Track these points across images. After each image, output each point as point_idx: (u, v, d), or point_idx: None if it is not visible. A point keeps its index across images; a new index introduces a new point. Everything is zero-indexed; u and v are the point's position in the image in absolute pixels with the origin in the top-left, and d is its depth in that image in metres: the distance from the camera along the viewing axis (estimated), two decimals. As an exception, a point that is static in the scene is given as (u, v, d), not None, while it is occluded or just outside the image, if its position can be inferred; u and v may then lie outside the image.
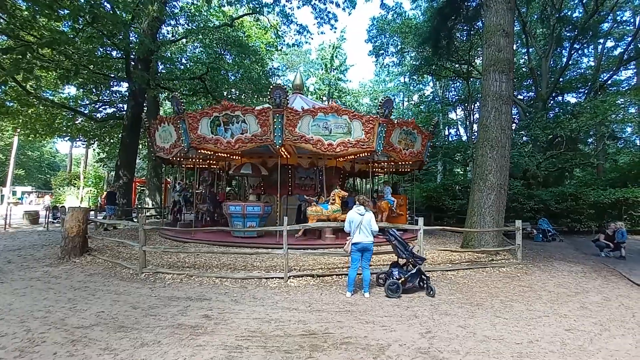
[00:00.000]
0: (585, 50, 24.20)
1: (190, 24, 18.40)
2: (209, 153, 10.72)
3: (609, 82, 21.33)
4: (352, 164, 12.81)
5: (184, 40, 19.43)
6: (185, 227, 10.89)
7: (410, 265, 5.81)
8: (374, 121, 8.80)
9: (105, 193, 19.76)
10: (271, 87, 8.62)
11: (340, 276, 6.52)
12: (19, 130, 17.93)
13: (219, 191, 13.33)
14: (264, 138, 8.63)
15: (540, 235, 13.25)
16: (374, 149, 8.97)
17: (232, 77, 21.13)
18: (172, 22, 19.18)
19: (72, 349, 3.47)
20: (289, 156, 10.55)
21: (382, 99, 8.90)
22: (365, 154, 9.71)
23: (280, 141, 8.48)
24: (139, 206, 20.20)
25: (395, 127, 9.45)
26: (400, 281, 5.53)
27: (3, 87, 12.89)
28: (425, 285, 5.70)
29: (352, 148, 8.90)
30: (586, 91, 22.42)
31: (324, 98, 37.41)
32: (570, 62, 22.13)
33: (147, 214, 17.20)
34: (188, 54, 21.05)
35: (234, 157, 11.44)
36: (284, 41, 22.68)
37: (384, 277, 5.87)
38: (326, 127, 8.71)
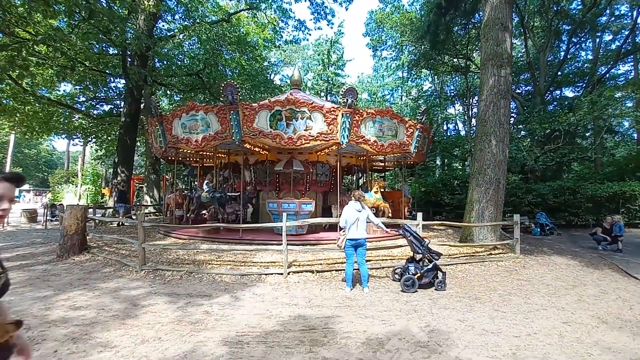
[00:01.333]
0: (584, 44, 24.18)
1: (187, 20, 18.25)
2: (253, 148, 10.51)
3: (607, 75, 21.34)
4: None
5: (180, 36, 19.27)
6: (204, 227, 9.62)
7: (426, 261, 5.83)
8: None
9: (106, 190, 19.84)
10: (345, 88, 8.55)
11: (339, 271, 6.55)
12: (15, 128, 17.82)
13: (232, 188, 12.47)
14: (329, 137, 8.67)
15: (538, 229, 13.32)
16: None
17: (230, 73, 21.01)
18: (169, 18, 19.01)
19: (72, 346, 3.48)
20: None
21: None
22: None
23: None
24: (138, 203, 20.17)
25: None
26: (416, 276, 5.56)
27: (-1, 84, 12.79)
28: (440, 279, 5.70)
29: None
30: (584, 85, 22.42)
31: (322, 94, 37.30)
32: (568, 56, 22.12)
33: (146, 211, 17.18)
34: (185, 50, 20.90)
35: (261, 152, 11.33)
36: (282, 37, 22.53)
37: (400, 272, 5.90)
38: (381, 128, 8.99)
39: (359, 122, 8.78)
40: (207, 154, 12.78)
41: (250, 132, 8.43)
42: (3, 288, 1.39)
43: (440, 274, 5.78)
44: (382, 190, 10.14)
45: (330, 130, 8.54)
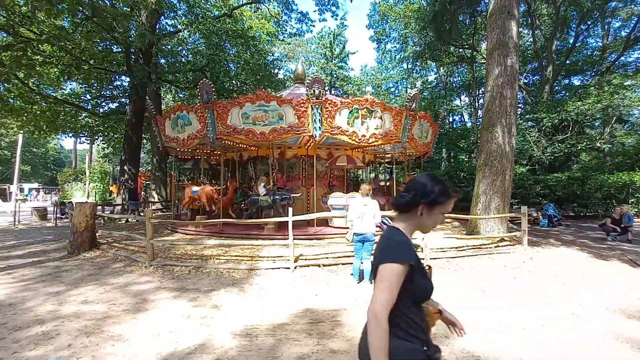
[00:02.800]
0: (592, 31, 23.63)
1: (189, 15, 18.20)
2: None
3: (617, 63, 20.88)
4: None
5: (184, 32, 19.26)
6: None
7: None
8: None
9: (114, 187, 20.12)
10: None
11: (346, 265, 6.57)
12: (23, 127, 18.04)
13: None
14: (393, 136, 9.46)
15: (546, 221, 13.19)
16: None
17: (233, 68, 20.97)
18: (172, 14, 18.96)
19: (86, 340, 3.56)
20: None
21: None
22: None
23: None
24: (145, 200, 20.38)
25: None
26: None
27: (6, 84, 12.93)
28: None
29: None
30: (593, 74, 21.97)
31: (325, 88, 37.05)
32: (577, 44, 21.64)
33: (154, 207, 17.36)
34: (188, 46, 20.88)
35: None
36: (286, 30, 22.38)
37: None
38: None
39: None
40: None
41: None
42: None
43: None
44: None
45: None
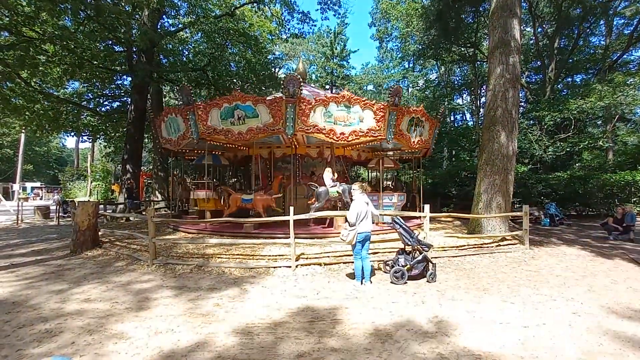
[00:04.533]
0: (595, 30, 23.49)
1: (190, 15, 18.22)
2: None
3: (620, 61, 20.75)
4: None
5: (185, 31, 19.28)
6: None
7: (417, 252, 5.85)
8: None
9: (116, 186, 20.15)
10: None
11: (347, 264, 6.59)
12: (26, 126, 18.11)
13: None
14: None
15: (548, 220, 13.16)
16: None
17: (235, 68, 20.98)
18: (173, 13, 18.98)
19: (89, 338, 3.59)
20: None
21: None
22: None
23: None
24: (147, 199, 20.45)
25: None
26: (405, 268, 5.59)
27: (9, 83, 12.98)
28: (431, 271, 5.75)
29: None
30: (595, 72, 21.85)
31: (327, 87, 37.04)
32: (579, 42, 21.52)
33: (156, 206, 17.42)
34: (190, 46, 20.90)
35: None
36: (288, 30, 22.35)
37: (391, 264, 5.93)
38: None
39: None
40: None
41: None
42: None
43: (430, 266, 5.82)
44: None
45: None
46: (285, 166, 11.72)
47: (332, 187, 9.32)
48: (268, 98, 8.79)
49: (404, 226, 5.86)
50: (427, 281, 5.65)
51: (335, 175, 10.00)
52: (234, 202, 9.63)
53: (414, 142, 10.08)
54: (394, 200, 10.80)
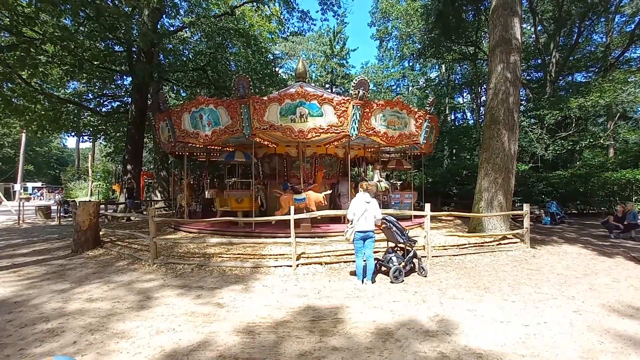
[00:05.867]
0: (596, 27, 23.42)
1: (190, 14, 18.21)
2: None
3: (621, 59, 20.70)
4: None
5: (185, 31, 19.27)
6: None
7: (407, 250, 5.94)
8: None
9: (117, 186, 20.19)
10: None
11: (348, 263, 6.60)
12: (27, 126, 18.14)
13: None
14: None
15: (549, 218, 13.15)
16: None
17: (234, 67, 20.97)
18: (173, 13, 18.98)
19: (90, 337, 3.60)
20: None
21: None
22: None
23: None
24: (148, 199, 20.48)
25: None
26: (401, 266, 5.65)
27: (10, 84, 13.00)
28: (418, 266, 5.93)
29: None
30: (596, 70, 21.80)
31: (327, 86, 37.00)
32: (580, 40, 21.47)
33: (156, 206, 17.45)
34: (190, 45, 20.90)
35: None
36: (287, 29, 22.34)
37: (383, 263, 5.97)
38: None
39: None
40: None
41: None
42: None
43: (416, 260, 5.97)
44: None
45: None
46: (304, 166, 11.72)
47: (379, 181, 10.99)
48: (336, 99, 8.60)
49: (397, 225, 5.89)
50: (419, 274, 5.84)
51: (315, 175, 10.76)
52: (287, 203, 9.10)
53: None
54: (411, 197, 11.69)
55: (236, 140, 10.18)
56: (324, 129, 8.47)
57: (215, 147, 11.72)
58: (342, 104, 8.35)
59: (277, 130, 8.46)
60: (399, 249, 6.17)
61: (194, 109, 8.97)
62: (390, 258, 5.82)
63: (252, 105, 8.26)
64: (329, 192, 10.03)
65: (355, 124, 8.52)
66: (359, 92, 8.25)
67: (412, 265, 5.97)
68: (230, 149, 11.75)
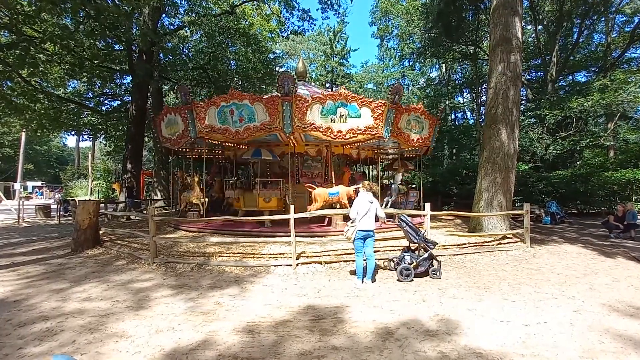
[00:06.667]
0: (597, 27, 23.39)
1: (190, 13, 18.20)
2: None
3: (622, 59, 20.67)
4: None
5: (185, 30, 19.25)
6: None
7: (422, 250, 5.86)
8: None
9: (116, 185, 20.19)
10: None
11: (347, 262, 6.59)
12: (26, 125, 18.12)
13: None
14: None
15: (549, 218, 13.14)
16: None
17: (234, 66, 20.95)
18: (173, 12, 18.97)
19: (89, 336, 3.59)
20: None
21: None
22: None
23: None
24: (148, 198, 20.47)
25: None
26: (412, 266, 5.60)
27: (9, 83, 12.97)
28: (435, 268, 5.79)
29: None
30: (596, 70, 21.77)
31: (327, 85, 36.93)
32: (580, 40, 21.45)
33: (156, 205, 17.43)
34: (190, 44, 20.88)
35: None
36: (288, 28, 22.32)
37: (396, 262, 5.94)
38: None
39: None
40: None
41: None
42: None
43: (435, 263, 5.85)
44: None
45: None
46: (315, 165, 11.77)
47: (400, 184, 11.62)
48: (374, 102, 8.85)
49: (410, 224, 5.87)
50: (430, 277, 5.68)
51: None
52: (321, 197, 9.17)
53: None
54: (415, 197, 11.97)
55: (262, 139, 10.11)
56: (361, 130, 8.80)
57: (237, 145, 11.45)
58: (379, 107, 8.72)
59: (317, 130, 8.63)
60: (418, 248, 6.03)
61: (224, 104, 8.83)
62: (404, 257, 5.82)
63: (295, 104, 8.31)
64: (358, 185, 10.16)
65: (389, 126, 8.96)
66: (395, 97, 8.80)
67: (429, 266, 5.80)
68: (246, 147, 11.66)
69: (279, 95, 8.35)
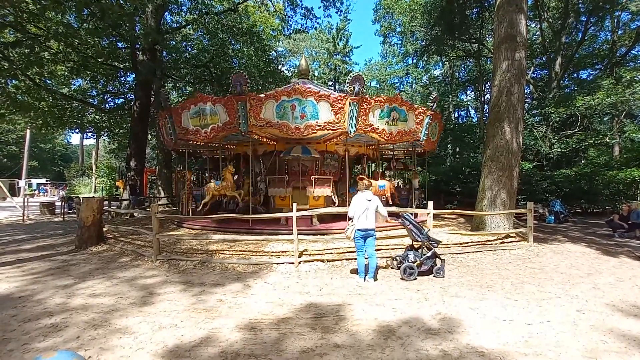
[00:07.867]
0: (602, 24, 23.14)
1: (193, 11, 18.19)
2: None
3: (628, 57, 20.46)
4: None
5: (188, 28, 19.25)
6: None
7: (426, 249, 5.85)
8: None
9: (120, 182, 20.28)
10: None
11: (350, 260, 6.59)
12: (31, 123, 18.25)
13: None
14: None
15: (553, 217, 13.07)
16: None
17: (237, 64, 20.94)
18: (176, 10, 18.98)
19: (93, 332, 3.62)
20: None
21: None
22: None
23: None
24: (151, 195, 20.57)
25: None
26: (415, 264, 5.60)
27: (14, 81, 13.06)
28: (439, 267, 5.77)
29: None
30: (602, 67, 21.56)
31: (330, 83, 36.88)
32: (586, 37, 21.24)
33: (159, 202, 17.52)
34: (193, 42, 20.89)
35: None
36: (291, 26, 22.26)
37: (399, 260, 5.93)
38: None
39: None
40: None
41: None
42: None
43: (438, 262, 5.83)
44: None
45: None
46: (332, 163, 11.68)
47: (416, 189, 12.16)
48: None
49: (413, 222, 5.86)
50: (434, 276, 5.67)
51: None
52: (374, 189, 9.42)
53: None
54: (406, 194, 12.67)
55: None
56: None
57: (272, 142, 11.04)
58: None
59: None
60: (422, 247, 6.00)
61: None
62: (407, 255, 5.82)
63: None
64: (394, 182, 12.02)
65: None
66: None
67: (432, 265, 5.79)
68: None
69: (347, 94, 8.25)
